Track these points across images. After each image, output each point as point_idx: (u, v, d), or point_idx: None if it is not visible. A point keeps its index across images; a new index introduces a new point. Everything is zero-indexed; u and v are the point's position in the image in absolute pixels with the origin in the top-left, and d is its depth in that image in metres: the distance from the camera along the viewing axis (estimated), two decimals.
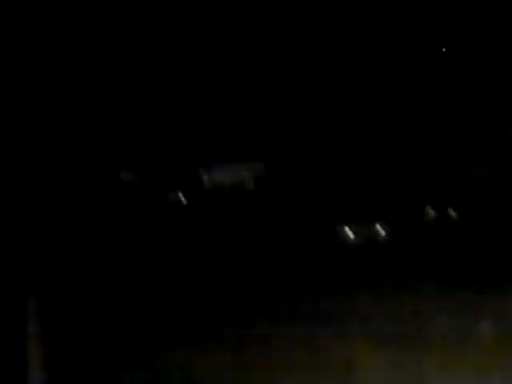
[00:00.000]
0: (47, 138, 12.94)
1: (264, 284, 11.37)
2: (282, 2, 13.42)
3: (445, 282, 11.71)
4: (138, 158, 12.95)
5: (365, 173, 13.20)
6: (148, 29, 13.24)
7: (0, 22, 12.66)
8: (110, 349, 8.16)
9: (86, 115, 12.73)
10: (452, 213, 13.27)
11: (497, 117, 13.70)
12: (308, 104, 12.78)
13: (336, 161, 13.15)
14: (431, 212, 13.30)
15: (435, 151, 13.61)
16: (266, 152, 13.08)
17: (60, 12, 12.97)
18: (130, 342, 8.32)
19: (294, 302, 11.42)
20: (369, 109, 13.38)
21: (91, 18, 13.16)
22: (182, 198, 13.00)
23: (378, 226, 13.12)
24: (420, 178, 13.60)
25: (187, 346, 8.56)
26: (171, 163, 13.05)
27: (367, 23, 13.61)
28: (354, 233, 13.08)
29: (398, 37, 13.82)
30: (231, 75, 12.74)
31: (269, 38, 13.35)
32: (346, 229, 13.10)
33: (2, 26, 12.66)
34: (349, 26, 13.59)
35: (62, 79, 13.14)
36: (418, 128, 13.35)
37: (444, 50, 13.88)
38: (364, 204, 13.54)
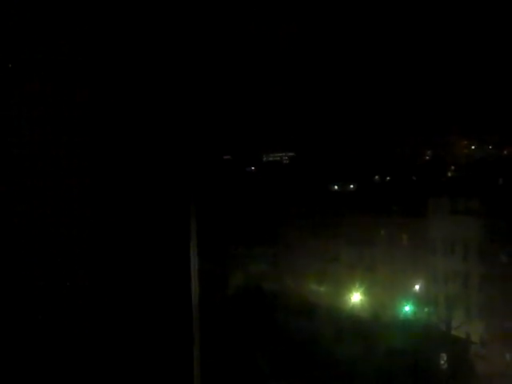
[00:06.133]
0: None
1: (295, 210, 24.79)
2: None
3: (384, 214, 24.77)
4: (233, 149, 26.41)
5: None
6: None
7: None
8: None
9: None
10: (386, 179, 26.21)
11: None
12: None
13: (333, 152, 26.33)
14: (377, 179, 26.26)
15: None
16: (294, 146, 26.48)
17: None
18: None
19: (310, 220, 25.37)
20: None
21: None
22: (253, 169, 26.48)
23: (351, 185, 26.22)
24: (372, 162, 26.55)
25: None
26: (248, 152, 26.55)
27: None
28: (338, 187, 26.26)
29: None
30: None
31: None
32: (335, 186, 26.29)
33: None
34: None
35: None
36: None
37: None
38: (343, 175, 26.62)
